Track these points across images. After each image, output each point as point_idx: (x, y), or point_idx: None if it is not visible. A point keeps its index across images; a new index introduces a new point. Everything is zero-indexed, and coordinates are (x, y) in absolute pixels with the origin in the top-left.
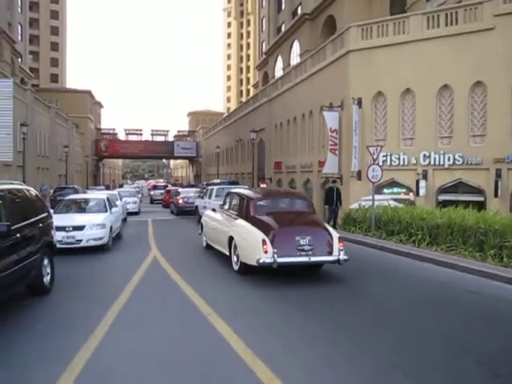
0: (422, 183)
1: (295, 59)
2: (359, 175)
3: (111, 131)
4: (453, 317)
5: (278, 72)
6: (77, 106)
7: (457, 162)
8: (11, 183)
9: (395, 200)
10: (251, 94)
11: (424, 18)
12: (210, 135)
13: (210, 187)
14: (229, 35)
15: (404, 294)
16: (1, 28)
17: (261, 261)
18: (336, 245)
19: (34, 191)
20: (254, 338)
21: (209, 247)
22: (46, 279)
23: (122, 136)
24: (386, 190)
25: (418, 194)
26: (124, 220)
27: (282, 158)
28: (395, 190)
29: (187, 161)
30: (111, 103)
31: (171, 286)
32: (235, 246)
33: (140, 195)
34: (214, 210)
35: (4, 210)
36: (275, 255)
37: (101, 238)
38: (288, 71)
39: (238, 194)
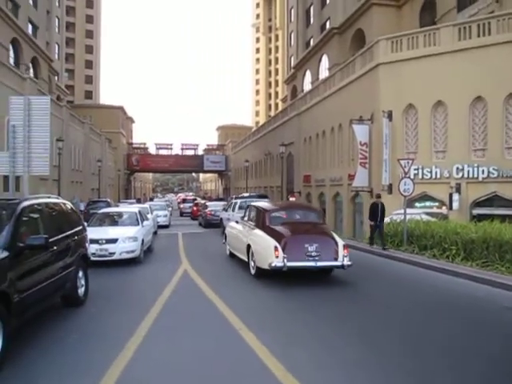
0: (456, 197)
1: (324, 73)
2: (390, 189)
3: (142, 146)
4: (492, 334)
5: (307, 86)
6: (110, 122)
7: (491, 175)
8: (49, 197)
9: (427, 214)
10: (280, 107)
11: (455, 29)
12: (239, 149)
13: (233, 201)
14: (257, 50)
15: (439, 311)
16: (40, 48)
17: (272, 264)
18: (341, 251)
19: (69, 204)
20: (282, 348)
21: (231, 255)
22: (81, 291)
23: (152, 150)
24: (417, 204)
25: (451, 207)
26: (155, 233)
27: (311, 172)
28: (427, 203)
29: (216, 174)
30: (142, 117)
31: (202, 298)
32: (252, 253)
33: (170, 209)
34: (237, 221)
35: (42, 223)
36: (285, 260)
37: (133, 251)
38: (317, 85)
39: (256, 207)
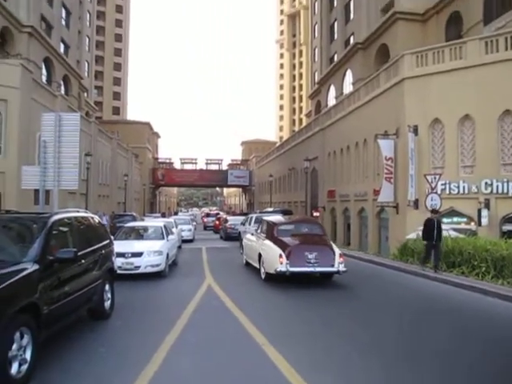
0: (485, 212)
1: (348, 88)
2: (416, 204)
3: (167, 160)
4: None
5: (331, 101)
6: (136, 137)
7: None
8: (78, 211)
9: (455, 230)
10: (304, 123)
11: (482, 42)
12: (263, 164)
13: (249, 215)
14: (281, 66)
15: (469, 331)
16: (71, 66)
17: (277, 269)
18: (337, 259)
19: (97, 218)
20: (306, 368)
21: (247, 264)
22: (107, 304)
23: (177, 165)
24: (445, 220)
25: (480, 223)
26: (179, 247)
27: (335, 187)
28: (455, 219)
29: (240, 189)
30: (167, 132)
31: (225, 313)
32: (262, 261)
33: (194, 223)
34: (252, 234)
35: (71, 236)
36: (287, 265)
37: (158, 265)
38: (341, 100)
39: (267, 221)
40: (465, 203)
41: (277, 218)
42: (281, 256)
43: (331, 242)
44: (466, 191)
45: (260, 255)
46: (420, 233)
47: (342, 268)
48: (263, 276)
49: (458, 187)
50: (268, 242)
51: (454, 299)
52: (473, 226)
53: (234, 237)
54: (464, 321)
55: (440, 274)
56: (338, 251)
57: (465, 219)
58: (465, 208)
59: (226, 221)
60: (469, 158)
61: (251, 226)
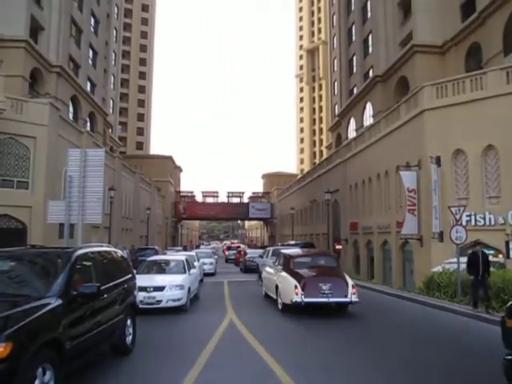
0: None
1: (368, 120)
2: (441, 236)
3: (189, 194)
4: None
5: (351, 133)
6: (159, 171)
7: None
8: (101, 245)
9: None
10: (324, 155)
11: (503, 72)
12: (284, 196)
13: (267, 248)
14: (301, 99)
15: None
16: (97, 103)
17: (293, 300)
18: (350, 290)
19: (120, 253)
20: None
21: (266, 295)
22: (129, 339)
23: (199, 198)
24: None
25: (508, 256)
26: (201, 281)
27: (357, 219)
28: None
29: (262, 222)
30: (189, 165)
31: (248, 350)
32: (279, 292)
33: (216, 256)
34: (270, 266)
35: (94, 271)
36: (302, 296)
37: (179, 299)
38: (362, 132)
39: (284, 254)
40: (491, 235)
41: (293, 250)
42: (296, 287)
43: (345, 274)
44: (493, 222)
45: (277, 286)
46: (446, 266)
47: (354, 298)
48: (280, 307)
49: (484, 219)
50: (284, 274)
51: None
52: (501, 258)
53: (253, 269)
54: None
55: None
56: (351, 282)
57: (492, 251)
58: (491, 240)
59: (245, 254)
60: (493, 188)
61: (269, 258)
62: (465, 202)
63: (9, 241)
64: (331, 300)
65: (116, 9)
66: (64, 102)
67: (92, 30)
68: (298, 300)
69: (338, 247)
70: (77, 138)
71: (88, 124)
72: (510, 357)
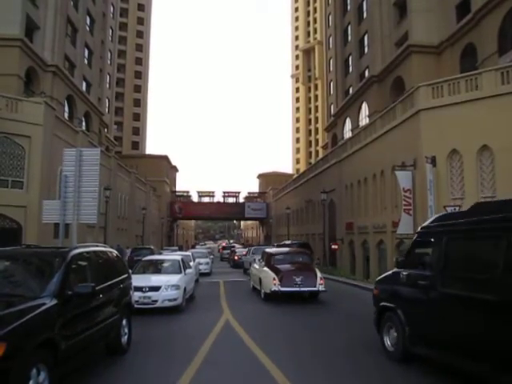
0: None
1: (364, 120)
2: None
3: (185, 193)
4: None
5: (347, 133)
6: (155, 171)
7: None
8: (96, 245)
9: None
10: (320, 155)
11: (498, 73)
12: (280, 196)
13: (250, 248)
14: (297, 99)
15: None
16: (92, 103)
17: (272, 289)
18: (318, 281)
19: (115, 253)
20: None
21: (253, 288)
22: (124, 339)
23: (195, 198)
24: None
25: None
26: (196, 281)
27: (353, 219)
28: None
29: (257, 222)
30: (184, 165)
31: (244, 351)
32: (262, 283)
33: (212, 256)
34: (256, 263)
35: (89, 271)
36: (279, 286)
37: (175, 299)
38: (357, 132)
39: (266, 252)
40: None
41: (275, 249)
42: (274, 279)
43: (315, 269)
44: None
45: (260, 279)
46: None
47: (321, 288)
48: (263, 296)
49: None
50: (266, 269)
51: None
52: None
53: (240, 264)
54: None
55: None
56: (319, 275)
57: None
58: None
59: (234, 252)
60: (489, 188)
61: (250, 255)
62: (460, 201)
63: (3, 241)
64: (302, 289)
65: (112, 8)
66: (59, 101)
67: (88, 29)
68: (276, 289)
69: (333, 247)
70: (72, 138)
71: (83, 123)
72: (375, 314)
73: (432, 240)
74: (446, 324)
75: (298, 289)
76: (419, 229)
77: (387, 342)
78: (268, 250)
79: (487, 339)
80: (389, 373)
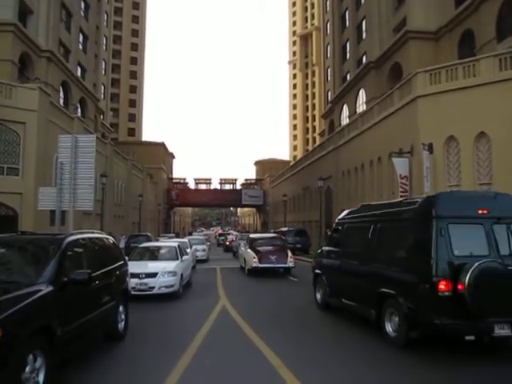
0: None
1: (361, 107)
2: None
3: (182, 181)
4: None
5: (344, 120)
6: (151, 158)
7: None
8: (92, 232)
9: None
10: (317, 142)
11: (496, 59)
12: (277, 183)
13: (238, 234)
14: (294, 86)
15: None
16: (87, 89)
17: (253, 265)
18: (289, 259)
19: (112, 239)
20: None
21: (241, 267)
22: (121, 325)
23: (191, 185)
24: None
25: None
26: (193, 267)
27: (350, 206)
28: None
29: (254, 209)
30: (181, 152)
31: (241, 336)
32: (246, 262)
33: (208, 243)
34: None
35: (85, 258)
36: (258, 263)
37: (172, 286)
38: (354, 119)
39: (250, 237)
40: None
41: (257, 235)
42: (254, 258)
43: (288, 250)
44: None
45: (245, 259)
46: None
47: (291, 264)
48: (246, 271)
49: None
50: (249, 250)
51: None
52: None
53: (231, 249)
54: None
55: None
56: (290, 255)
57: None
58: None
59: (226, 238)
60: (485, 175)
61: (237, 240)
62: (456, 188)
63: None
64: (276, 265)
65: None
66: (54, 87)
67: (82, 14)
68: (256, 266)
69: (329, 233)
70: (67, 124)
71: (79, 110)
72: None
73: (339, 228)
74: (344, 281)
75: (272, 265)
76: (336, 220)
77: (318, 296)
78: (251, 235)
79: (361, 290)
80: (315, 317)
